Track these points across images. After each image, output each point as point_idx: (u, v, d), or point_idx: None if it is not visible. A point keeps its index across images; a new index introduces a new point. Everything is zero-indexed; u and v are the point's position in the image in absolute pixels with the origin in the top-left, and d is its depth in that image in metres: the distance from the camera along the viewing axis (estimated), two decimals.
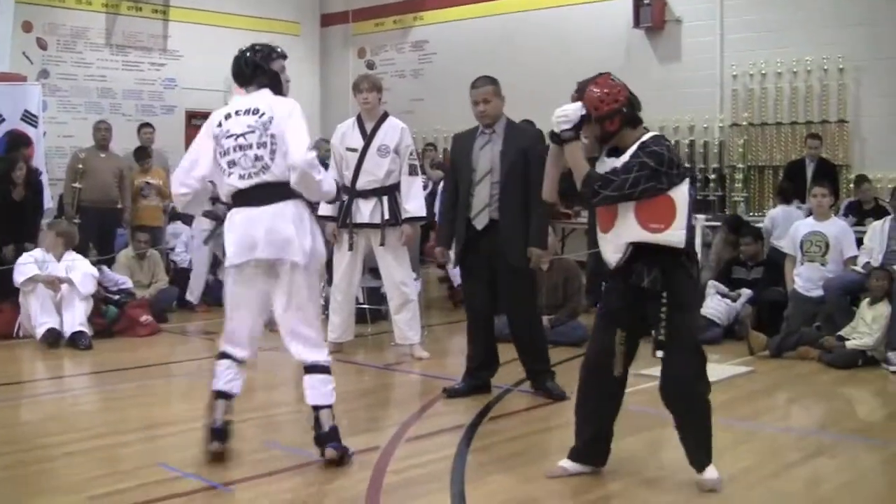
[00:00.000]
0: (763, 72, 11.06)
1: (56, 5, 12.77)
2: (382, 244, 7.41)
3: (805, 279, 8.19)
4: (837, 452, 5.10)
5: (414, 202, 7.38)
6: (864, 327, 7.39)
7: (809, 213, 8.75)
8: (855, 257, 8.12)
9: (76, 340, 8.06)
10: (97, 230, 10.22)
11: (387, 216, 7.35)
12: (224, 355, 4.75)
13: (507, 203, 6.02)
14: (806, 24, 10.78)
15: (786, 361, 7.54)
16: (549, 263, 8.25)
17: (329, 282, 7.92)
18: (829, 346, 7.42)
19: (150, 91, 13.75)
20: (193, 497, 4.27)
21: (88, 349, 8.00)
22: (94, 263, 8.87)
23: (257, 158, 4.50)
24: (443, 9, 14.22)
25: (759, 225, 9.54)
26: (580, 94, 4.24)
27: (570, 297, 8.32)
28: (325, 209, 7.18)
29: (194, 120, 14.00)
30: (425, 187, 9.28)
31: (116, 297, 8.99)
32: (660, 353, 4.25)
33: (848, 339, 7.41)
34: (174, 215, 11.41)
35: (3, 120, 10.14)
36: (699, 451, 4.29)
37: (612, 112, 4.18)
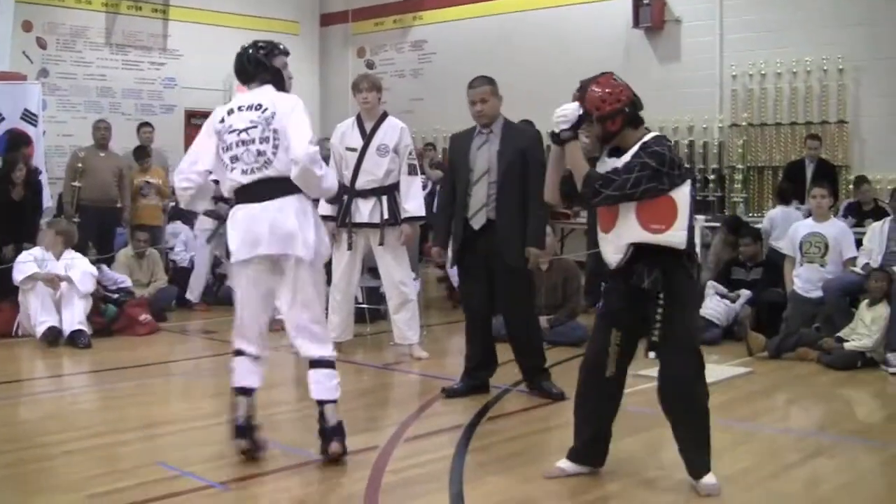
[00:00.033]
0: (762, 72, 11.06)
1: (56, 4, 12.78)
2: (381, 244, 7.40)
3: (804, 280, 8.19)
4: (836, 453, 5.10)
5: (413, 202, 7.37)
6: (864, 328, 7.39)
7: (809, 214, 8.74)
8: (854, 258, 8.11)
9: (75, 339, 8.06)
10: (96, 229, 10.22)
11: (386, 216, 7.35)
12: (239, 352, 4.75)
13: (504, 203, 6.02)
14: (805, 25, 10.79)
15: (785, 362, 7.54)
16: (549, 264, 8.26)
17: (328, 281, 7.92)
18: (828, 348, 7.42)
19: (149, 90, 13.76)
20: (192, 496, 4.26)
21: (87, 348, 8.00)
22: (93, 262, 8.87)
23: (260, 153, 4.50)
24: (442, 8, 14.23)
25: (759, 226, 9.54)
26: (582, 93, 4.22)
27: (570, 298, 8.32)
28: (324, 208, 7.16)
29: (194, 119, 14.02)
30: (424, 187, 9.28)
31: (116, 295, 9.00)
32: (651, 355, 4.25)
33: (847, 341, 7.40)
34: (173, 215, 11.43)
35: (3, 119, 10.16)
36: (698, 456, 4.26)
37: (614, 112, 4.17)
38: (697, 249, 7.44)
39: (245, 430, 4.68)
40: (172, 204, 11.40)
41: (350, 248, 7.48)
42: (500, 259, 6.03)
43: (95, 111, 12.69)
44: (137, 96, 13.61)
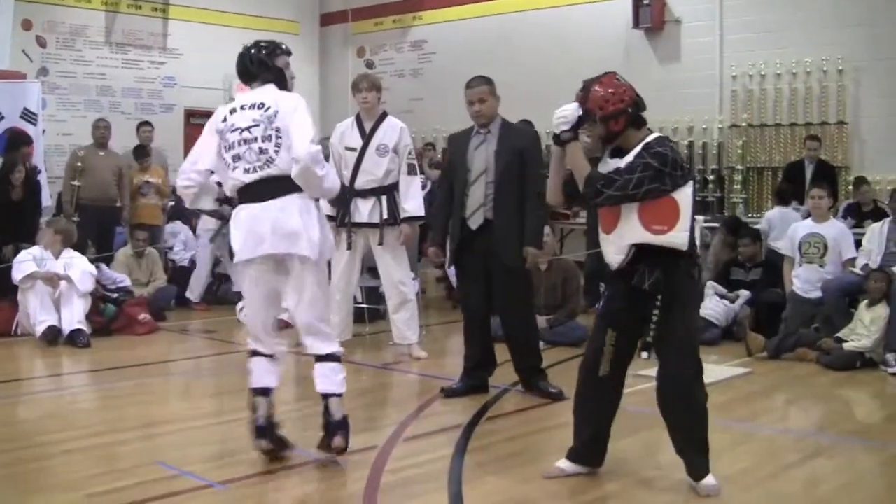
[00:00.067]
0: (762, 73, 11.06)
1: (55, 3, 12.76)
2: (381, 243, 7.41)
3: (803, 281, 8.19)
4: (835, 454, 5.11)
5: (412, 202, 7.38)
6: (863, 329, 7.39)
7: (808, 215, 8.74)
8: (853, 259, 8.12)
9: (74, 338, 8.07)
10: (96, 228, 10.22)
11: (385, 216, 7.35)
12: (254, 353, 4.74)
13: (501, 203, 6.02)
14: (805, 25, 10.78)
15: (784, 363, 7.54)
16: (548, 264, 8.27)
17: (328, 281, 7.92)
18: (828, 348, 7.42)
19: (149, 89, 13.74)
20: (191, 495, 4.26)
21: (87, 347, 8.00)
22: (92, 261, 8.87)
23: (262, 152, 4.48)
24: (442, 8, 14.22)
25: (758, 226, 9.54)
26: (585, 92, 4.21)
27: (569, 298, 8.32)
28: (324, 208, 7.16)
29: (193, 118, 14.02)
30: (424, 187, 9.27)
31: (115, 295, 9.00)
32: (644, 355, 4.25)
33: (846, 341, 7.41)
34: (173, 214, 11.43)
35: (3, 118, 10.16)
36: (697, 457, 4.26)
37: (617, 112, 4.15)
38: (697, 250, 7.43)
39: (265, 431, 4.67)
40: (172, 203, 11.42)
41: (349, 247, 7.48)
42: (497, 259, 6.03)
43: (95, 110, 12.68)
44: (137, 95, 13.59)
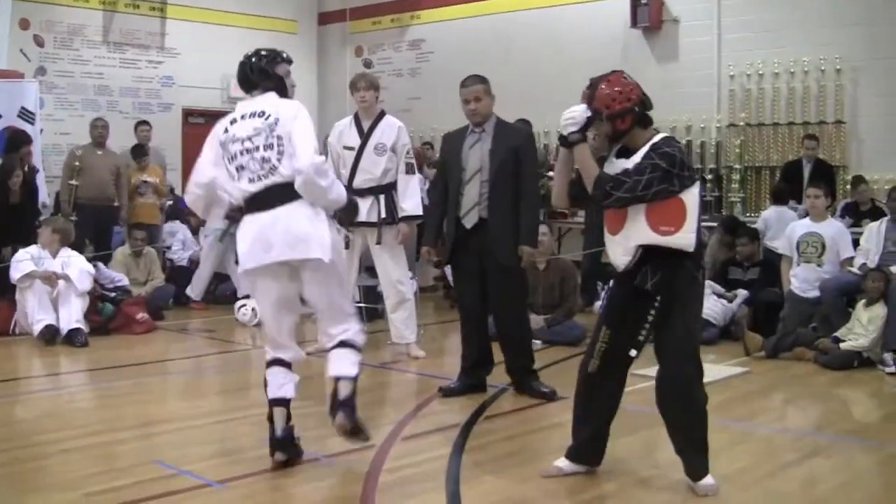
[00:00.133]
0: (760, 72, 11.06)
1: (53, 2, 12.74)
2: (379, 243, 7.41)
3: (801, 280, 8.20)
4: (833, 453, 5.11)
5: (410, 201, 7.37)
6: (860, 328, 7.40)
7: (806, 214, 8.74)
8: (851, 258, 8.12)
9: (72, 337, 8.06)
10: (94, 227, 10.22)
11: (383, 215, 7.35)
12: (272, 362, 4.67)
13: (496, 202, 6.02)
14: (803, 24, 10.78)
15: (782, 362, 7.54)
16: (546, 263, 8.27)
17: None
18: (825, 348, 7.43)
19: (147, 89, 13.72)
20: (189, 494, 4.26)
21: (85, 346, 8.00)
22: (89, 260, 8.86)
23: (264, 160, 4.45)
24: (440, 8, 14.21)
25: (755, 226, 9.54)
26: (592, 90, 4.20)
27: (567, 297, 8.32)
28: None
29: (191, 118, 14.03)
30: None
31: (113, 294, 9.00)
32: (633, 352, 4.24)
33: (844, 341, 7.41)
34: (171, 213, 11.43)
35: (0, 117, 10.15)
36: (696, 458, 4.26)
37: (623, 111, 4.13)
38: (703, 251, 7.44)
39: (281, 443, 4.59)
40: (170, 203, 11.42)
41: (347, 246, 7.46)
42: (492, 258, 6.04)
43: (93, 109, 12.65)
44: (135, 95, 13.57)
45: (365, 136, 7.39)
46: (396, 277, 7.51)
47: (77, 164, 10.25)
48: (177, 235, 11.30)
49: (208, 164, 4.66)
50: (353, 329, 4.68)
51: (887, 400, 6.63)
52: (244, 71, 4.69)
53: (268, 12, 14.86)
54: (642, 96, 4.19)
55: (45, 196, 10.19)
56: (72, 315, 8.19)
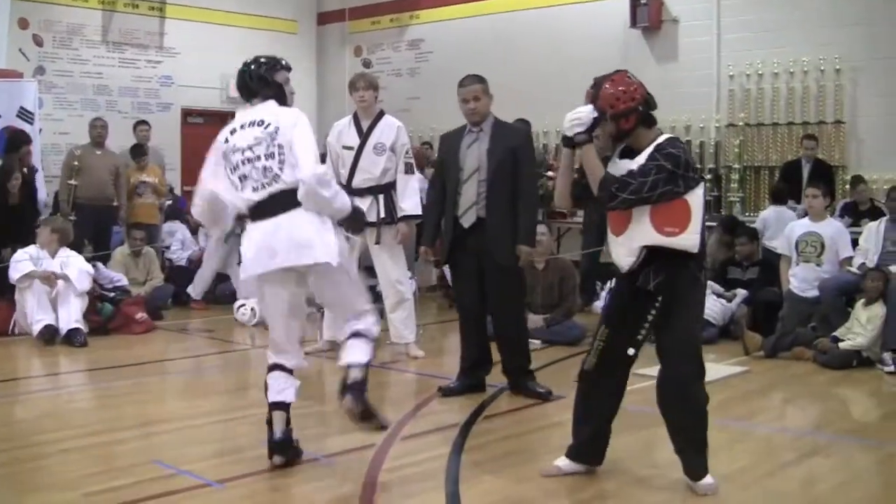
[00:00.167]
0: (760, 72, 11.06)
1: (52, 2, 12.73)
2: (378, 242, 7.40)
3: (800, 280, 8.20)
4: (832, 453, 5.11)
5: (409, 200, 7.37)
6: (859, 328, 7.40)
7: (805, 214, 8.74)
8: (850, 258, 8.12)
9: (71, 337, 8.05)
10: (93, 227, 10.21)
11: (382, 214, 7.34)
12: (273, 367, 4.66)
13: (494, 201, 6.02)
14: (803, 24, 10.78)
15: (781, 362, 7.55)
16: (545, 263, 8.27)
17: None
18: (824, 348, 7.43)
19: (146, 88, 13.71)
20: (188, 494, 4.26)
21: (84, 346, 7.99)
22: (88, 260, 8.86)
23: (266, 170, 4.44)
24: (439, 7, 14.21)
25: (754, 225, 9.55)
26: (596, 90, 4.19)
27: (566, 297, 8.32)
28: None
29: (190, 117, 14.03)
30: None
31: (112, 294, 8.99)
32: (631, 351, 4.24)
33: (842, 340, 7.41)
34: (170, 213, 11.42)
35: (0, 117, 10.14)
36: (695, 458, 4.26)
37: (627, 110, 4.13)
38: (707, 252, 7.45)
39: (279, 446, 4.58)
40: (169, 202, 11.42)
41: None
42: (490, 257, 6.03)
43: (92, 109, 12.65)
44: (134, 94, 13.56)
45: (364, 136, 7.38)
46: (395, 277, 7.51)
47: (76, 163, 10.24)
48: (176, 235, 11.31)
49: (210, 177, 4.66)
50: (367, 321, 4.67)
51: (886, 399, 6.63)
52: (243, 79, 4.67)
53: (267, 12, 14.86)
54: (646, 96, 4.18)
55: (44, 195, 10.18)
56: (71, 315, 8.18)
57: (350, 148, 7.40)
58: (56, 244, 8.56)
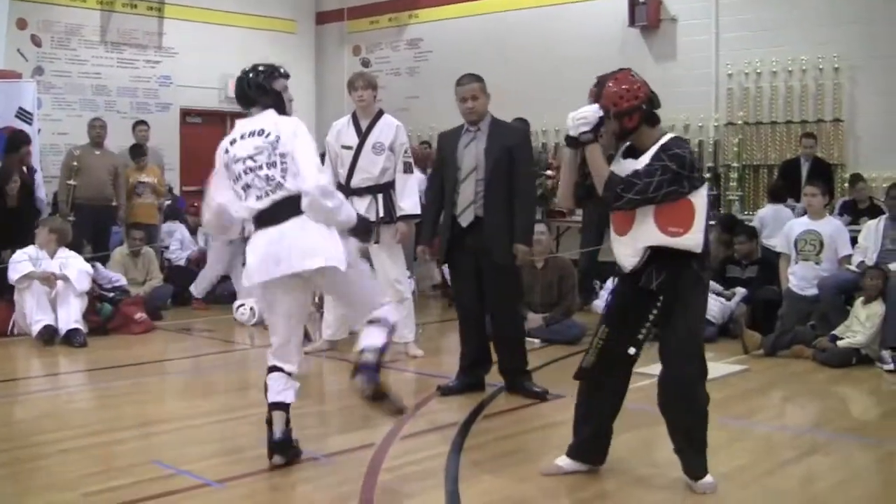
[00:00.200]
0: (758, 70, 11.06)
1: (50, 2, 12.71)
2: (377, 242, 7.40)
3: (799, 278, 8.20)
4: (832, 451, 5.11)
5: (408, 200, 7.37)
6: (858, 326, 7.40)
7: (804, 212, 8.74)
8: (849, 256, 8.12)
9: (71, 338, 8.06)
10: (92, 227, 10.20)
11: (381, 214, 7.34)
12: (273, 368, 4.66)
13: (491, 200, 6.02)
14: (801, 23, 10.78)
15: (780, 360, 7.55)
16: (544, 262, 8.27)
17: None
18: (823, 347, 7.43)
19: (145, 88, 13.70)
20: (188, 494, 4.26)
21: (83, 346, 8.00)
22: (87, 261, 8.86)
23: (269, 179, 4.44)
24: (437, 7, 14.21)
25: (752, 224, 9.55)
26: (599, 88, 4.18)
27: (565, 296, 8.33)
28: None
29: (189, 117, 14.03)
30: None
31: (111, 294, 8.99)
32: (632, 351, 4.24)
33: (842, 338, 7.42)
34: (169, 213, 11.42)
35: None
36: (695, 458, 4.26)
37: (631, 108, 4.12)
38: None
39: (279, 446, 4.58)
40: (168, 202, 11.41)
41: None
42: (487, 256, 6.03)
43: (91, 109, 12.63)
44: (133, 94, 13.55)
45: (363, 136, 7.38)
46: (394, 276, 7.51)
47: (75, 164, 10.24)
48: (175, 235, 11.30)
49: (215, 190, 4.69)
50: (384, 309, 4.65)
51: (885, 397, 6.64)
52: (241, 87, 4.67)
53: (266, 12, 14.85)
54: (650, 94, 4.17)
55: (43, 195, 10.18)
56: (70, 315, 8.18)
57: (349, 147, 7.40)
58: (54, 244, 8.56)
